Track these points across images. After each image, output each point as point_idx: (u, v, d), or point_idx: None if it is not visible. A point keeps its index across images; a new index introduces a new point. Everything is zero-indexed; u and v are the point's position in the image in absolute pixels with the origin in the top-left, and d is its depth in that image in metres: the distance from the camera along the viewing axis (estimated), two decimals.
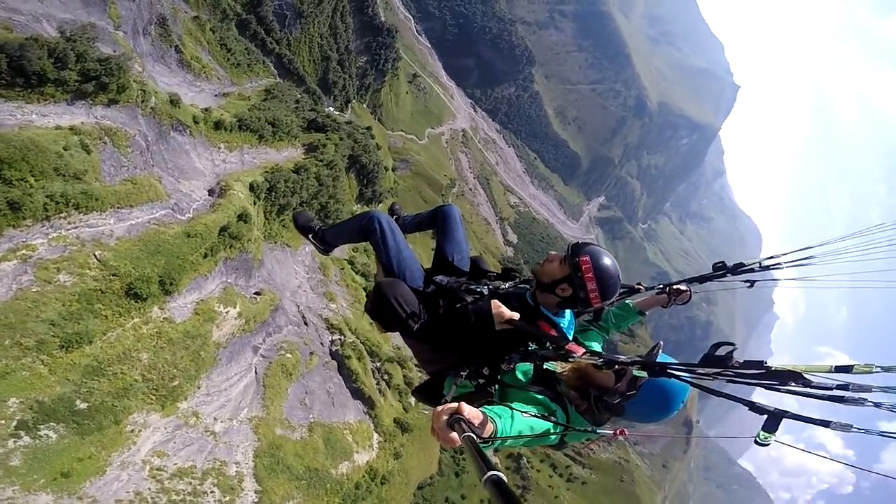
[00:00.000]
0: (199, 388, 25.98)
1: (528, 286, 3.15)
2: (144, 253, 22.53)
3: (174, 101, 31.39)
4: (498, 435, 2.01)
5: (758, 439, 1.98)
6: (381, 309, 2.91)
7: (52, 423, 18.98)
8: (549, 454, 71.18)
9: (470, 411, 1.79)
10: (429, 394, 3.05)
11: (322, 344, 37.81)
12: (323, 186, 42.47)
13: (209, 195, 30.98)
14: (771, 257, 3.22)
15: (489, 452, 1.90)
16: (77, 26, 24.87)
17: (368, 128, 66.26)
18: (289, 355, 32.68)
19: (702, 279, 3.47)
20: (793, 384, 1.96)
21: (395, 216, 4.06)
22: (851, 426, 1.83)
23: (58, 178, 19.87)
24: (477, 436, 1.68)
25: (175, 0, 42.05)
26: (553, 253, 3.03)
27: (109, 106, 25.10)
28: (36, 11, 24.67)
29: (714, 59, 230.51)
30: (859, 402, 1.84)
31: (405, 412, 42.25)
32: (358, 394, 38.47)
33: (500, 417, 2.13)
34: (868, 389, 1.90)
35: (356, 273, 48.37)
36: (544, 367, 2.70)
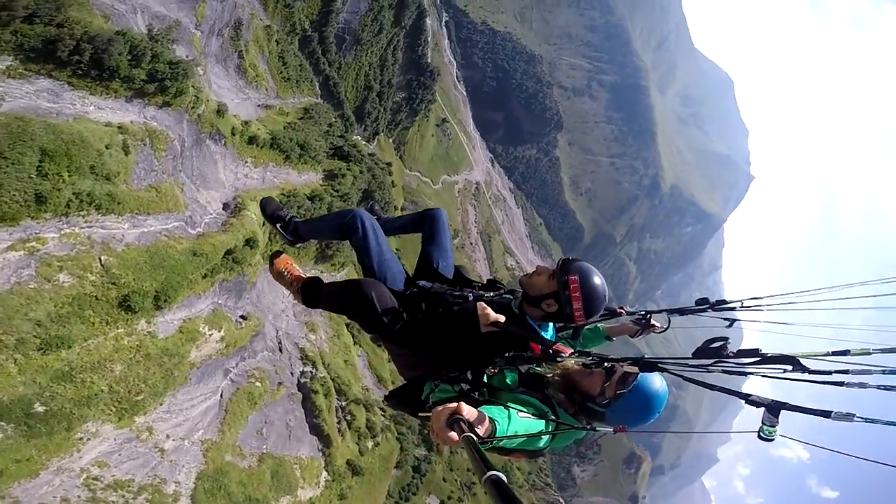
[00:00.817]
0: (161, 404, 25.72)
1: (511, 297, 3.17)
2: (148, 265, 22.55)
3: (220, 111, 32.51)
4: (497, 434, 2.01)
5: (761, 434, 1.92)
6: (360, 309, 2.87)
7: (1, 423, 18.65)
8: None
9: (469, 411, 1.81)
10: (404, 399, 3.00)
11: (292, 374, 37.68)
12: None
13: (223, 209, 31.48)
14: (755, 298, 3.21)
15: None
16: (164, 25, 25.91)
17: (389, 164, 67.88)
18: (258, 384, 32.59)
19: (682, 311, 3.48)
20: (790, 370, 1.92)
21: (374, 216, 3.76)
22: (854, 415, 1.73)
23: (90, 177, 20.09)
24: (476, 436, 1.70)
25: (255, 6, 44.48)
26: (542, 266, 3.03)
27: (162, 108, 25.79)
28: (135, 1, 25.82)
29: (736, 147, 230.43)
30: (861, 385, 1.79)
31: (360, 455, 41.74)
32: (316, 429, 38.05)
33: (499, 417, 2.12)
34: (868, 372, 1.85)
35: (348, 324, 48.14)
36: (532, 370, 2.74)
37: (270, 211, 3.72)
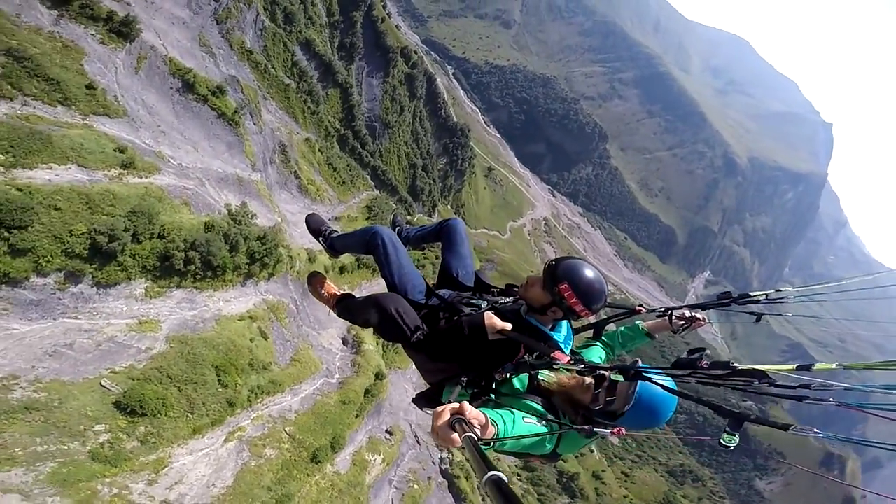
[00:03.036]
0: None
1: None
2: (317, 424, 26.96)
3: (311, 258, 34.46)
4: (499, 436, 2.07)
5: (722, 440, 1.98)
6: (382, 322, 2.97)
7: None
8: None
9: (471, 412, 1.82)
10: (429, 401, 3.14)
11: (433, 462, 39.69)
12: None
13: (343, 344, 34.85)
14: (778, 290, 3.14)
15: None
16: (239, 205, 28.93)
17: None
18: (415, 486, 35.27)
19: (705, 306, 3.39)
20: (757, 383, 1.98)
21: (397, 228, 4.04)
22: (812, 429, 1.83)
23: (253, 373, 24.43)
24: (478, 436, 1.68)
25: (287, 121, 46.61)
26: (532, 277, 3.04)
27: (269, 280, 29.48)
28: (195, 165, 28.48)
29: (792, 101, 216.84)
30: (822, 400, 1.85)
31: None
32: None
33: (502, 419, 2.22)
34: (830, 388, 1.91)
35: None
36: (538, 378, 2.83)
37: (314, 226, 4.02)
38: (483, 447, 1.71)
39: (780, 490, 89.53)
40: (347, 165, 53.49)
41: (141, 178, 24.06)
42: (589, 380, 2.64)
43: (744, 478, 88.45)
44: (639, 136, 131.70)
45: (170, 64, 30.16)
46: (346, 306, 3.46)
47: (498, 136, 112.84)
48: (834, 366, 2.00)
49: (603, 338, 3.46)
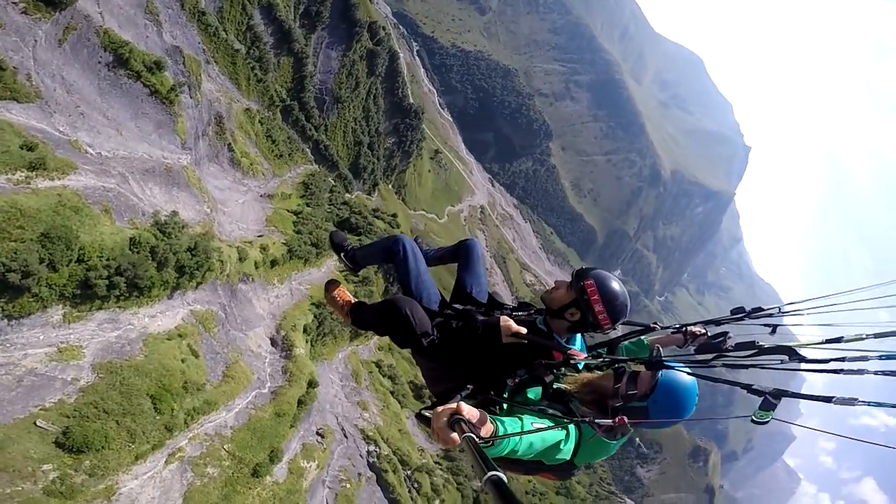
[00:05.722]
0: None
1: (541, 315, 3.22)
2: (254, 438, 27.79)
3: (242, 258, 33.66)
4: (498, 434, 2.02)
5: (754, 417, 1.95)
6: (396, 324, 2.98)
7: None
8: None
9: (469, 411, 1.81)
10: None
11: (361, 456, 40.24)
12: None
13: (272, 345, 34.99)
14: (791, 303, 3.07)
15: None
16: (168, 215, 27.19)
17: (394, 215, 66.94)
18: (347, 485, 36.25)
19: (718, 322, 3.28)
20: (788, 360, 1.96)
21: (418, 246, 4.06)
22: (856, 400, 1.74)
23: (187, 395, 24.52)
24: (477, 436, 1.67)
25: (229, 88, 44.22)
26: (559, 280, 3.13)
27: (196, 289, 28.58)
28: (117, 154, 26.31)
29: (724, 122, 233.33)
30: (858, 372, 1.80)
31: None
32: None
33: (503, 420, 2.14)
34: (864, 358, 1.84)
35: (383, 376, 48.70)
36: (554, 385, 2.80)
37: (336, 242, 4.09)
38: (483, 446, 1.72)
39: (656, 478, 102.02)
40: (288, 138, 52.40)
41: (53, 180, 21.30)
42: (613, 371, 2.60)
43: (627, 465, 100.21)
44: (581, 138, 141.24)
45: (103, 36, 27.33)
46: (360, 313, 3.48)
47: (450, 119, 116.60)
48: (864, 336, 1.94)
49: (597, 351, 3.39)
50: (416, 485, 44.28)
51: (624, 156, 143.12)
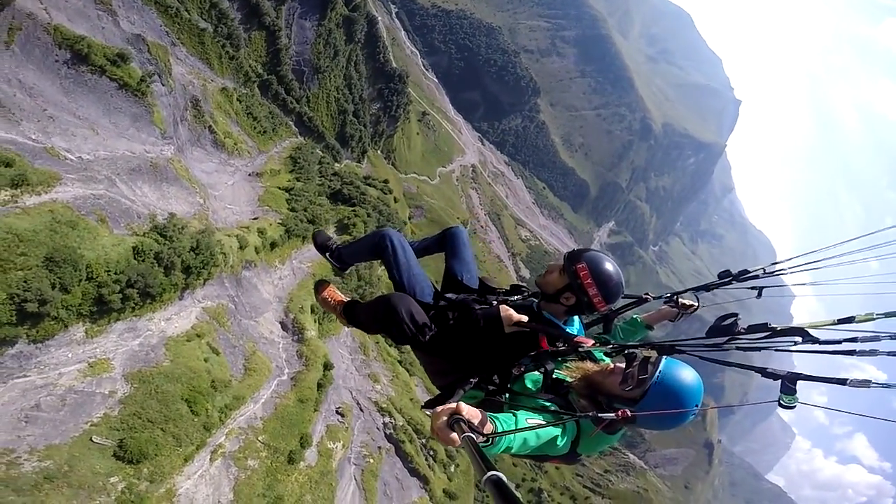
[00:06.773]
0: None
1: (535, 299, 3.23)
2: (284, 427, 28.98)
3: (242, 246, 33.95)
4: (498, 432, 2.00)
5: (782, 401, 1.97)
6: (391, 322, 2.91)
7: None
8: (568, 486, 72.66)
9: (469, 411, 1.80)
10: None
11: (377, 429, 41.01)
12: (361, 280, 46.45)
13: (283, 330, 35.59)
14: (775, 263, 3.08)
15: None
16: (166, 217, 27.26)
17: (386, 181, 67.68)
18: (371, 460, 37.44)
19: (708, 287, 3.36)
20: (801, 341, 1.97)
21: None
22: (870, 381, 1.74)
23: (217, 394, 25.68)
24: (476, 435, 1.71)
25: (201, 68, 43.14)
26: (552, 264, 3.12)
27: (204, 285, 29.14)
28: (98, 155, 25.79)
29: (714, 75, 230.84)
30: (871, 353, 1.80)
31: (450, 481, 45.18)
32: (414, 473, 41.73)
33: (497, 417, 2.13)
34: (876, 339, 1.85)
35: (390, 345, 49.06)
36: (553, 375, 2.71)
37: (320, 242, 3.99)
38: (483, 445, 1.74)
39: (656, 433, 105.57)
40: (269, 113, 51.49)
41: (40, 195, 20.52)
42: (613, 365, 2.53)
43: None
44: (569, 94, 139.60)
45: (54, 33, 25.52)
46: (353, 311, 3.44)
47: (436, 80, 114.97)
48: (875, 315, 1.92)
49: (603, 336, 3.35)
50: (431, 452, 45.07)
51: (613, 110, 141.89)
